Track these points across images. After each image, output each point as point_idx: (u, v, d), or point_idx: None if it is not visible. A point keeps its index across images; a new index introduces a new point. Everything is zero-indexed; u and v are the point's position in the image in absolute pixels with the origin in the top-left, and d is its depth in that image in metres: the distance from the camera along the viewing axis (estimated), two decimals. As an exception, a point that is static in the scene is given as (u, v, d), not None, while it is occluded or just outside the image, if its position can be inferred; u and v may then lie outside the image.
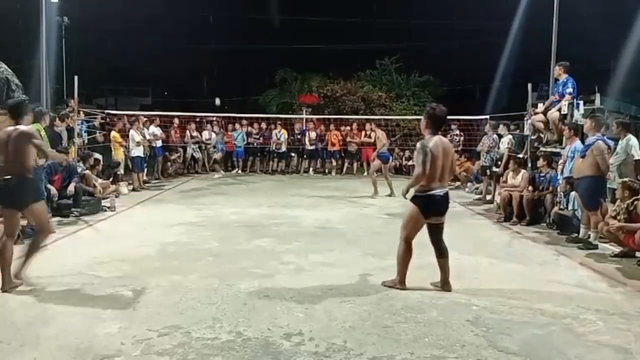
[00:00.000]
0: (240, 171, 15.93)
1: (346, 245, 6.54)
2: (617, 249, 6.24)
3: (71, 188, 8.24)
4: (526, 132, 10.35)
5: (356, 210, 9.41)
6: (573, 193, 7.21)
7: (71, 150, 9.87)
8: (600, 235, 6.48)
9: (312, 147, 16.02)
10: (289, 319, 4.00)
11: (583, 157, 6.63)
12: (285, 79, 23.71)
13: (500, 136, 10.93)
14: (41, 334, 3.66)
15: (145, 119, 13.39)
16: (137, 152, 11.85)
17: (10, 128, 4.70)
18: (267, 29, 30.33)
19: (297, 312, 4.15)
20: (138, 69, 31.02)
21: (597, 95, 9.21)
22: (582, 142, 7.22)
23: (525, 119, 10.55)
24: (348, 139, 15.87)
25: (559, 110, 8.57)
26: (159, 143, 13.80)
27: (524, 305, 4.35)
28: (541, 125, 9.40)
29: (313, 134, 16.08)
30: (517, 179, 8.78)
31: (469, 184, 12.55)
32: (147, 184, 12.48)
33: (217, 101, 17.85)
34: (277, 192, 11.91)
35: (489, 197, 10.64)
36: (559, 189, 7.83)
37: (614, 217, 6.14)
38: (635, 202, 5.96)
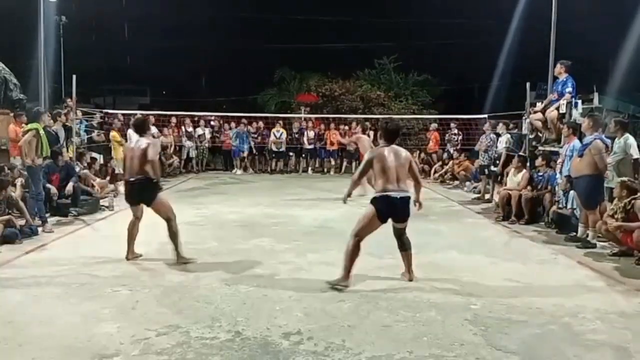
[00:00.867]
0: (239, 171, 15.87)
1: (345, 245, 6.52)
2: (615, 248, 6.24)
3: (69, 188, 8.23)
4: (524, 131, 10.36)
5: (355, 210, 9.26)
6: (572, 192, 7.22)
7: (70, 149, 9.86)
8: (599, 234, 6.48)
9: (311, 147, 16.02)
10: (287, 318, 4.00)
11: (581, 156, 6.63)
12: (283, 78, 23.67)
13: (498, 135, 10.94)
14: (40, 334, 3.65)
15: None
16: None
17: None
18: (266, 28, 30.30)
19: (296, 311, 4.15)
20: (136, 68, 30.98)
21: (596, 95, 9.23)
22: (581, 141, 7.22)
23: (524, 117, 10.56)
24: (347, 137, 15.87)
25: (558, 109, 8.58)
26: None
27: (522, 304, 4.36)
28: (540, 124, 9.41)
29: (311, 133, 16.08)
30: (517, 177, 8.77)
31: (467, 183, 12.56)
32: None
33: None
34: (276, 191, 11.90)
35: (487, 196, 10.64)
36: (558, 188, 7.83)
37: (612, 216, 6.14)
38: (633, 201, 5.96)
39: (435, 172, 14.52)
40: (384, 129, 5.00)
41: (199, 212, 8.73)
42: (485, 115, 13.90)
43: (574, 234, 7.04)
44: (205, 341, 3.56)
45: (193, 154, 15.65)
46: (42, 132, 7.46)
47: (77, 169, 9.38)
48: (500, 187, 9.50)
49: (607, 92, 18.06)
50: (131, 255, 5.54)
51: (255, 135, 16.00)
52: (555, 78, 9.30)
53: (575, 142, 7.35)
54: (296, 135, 16.05)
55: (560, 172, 7.77)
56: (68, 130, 10.22)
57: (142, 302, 4.31)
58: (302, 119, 16.90)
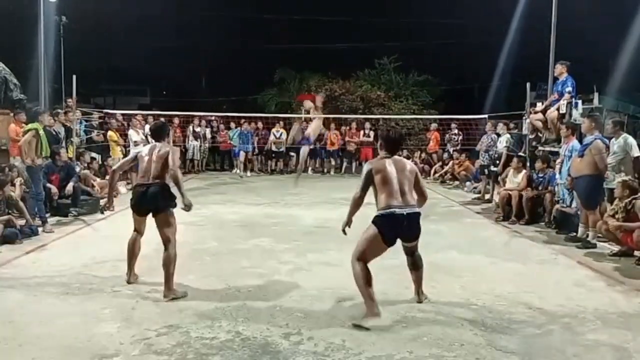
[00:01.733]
0: (239, 171, 15.83)
1: (345, 245, 6.45)
2: (615, 248, 6.25)
3: (70, 188, 8.23)
4: (525, 131, 10.36)
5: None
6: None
7: (70, 149, 9.86)
8: (599, 234, 6.48)
9: (311, 147, 15.98)
10: (287, 318, 4.00)
11: (581, 156, 6.64)
12: (284, 79, 23.64)
13: (498, 135, 10.95)
14: (40, 334, 3.65)
15: (140, 117, 13.32)
16: (136, 151, 11.78)
17: None
18: (266, 28, 30.30)
19: (295, 311, 4.15)
20: (136, 69, 30.92)
21: (596, 95, 9.23)
22: (580, 141, 7.23)
23: (524, 118, 10.56)
24: (347, 138, 15.86)
25: (558, 109, 8.58)
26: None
27: (522, 304, 4.36)
28: (540, 125, 9.42)
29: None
30: (518, 177, 8.77)
31: (467, 183, 12.56)
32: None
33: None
34: (276, 191, 11.90)
35: (487, 196, 10.64)
36: (562, 187, 7.79)
37: (612, 216, 6.14)
38: (634, 201, 5.96)
39: (435, 172, 14.55)
40: (385, 138, 4.33)
41: (199, 212, 8.69)
42: (486, 116, 13.90)
43: (574, 234, 7.04)
44: (205, 341, 3.56)
45: (197, 155, 15.63)
46: (41, 132, 7.46)
47: (77, 169, 9.38)
48: (499, 188, 9.49)
49: (607, 92, 18.01)
50: (133, 277, 4.93)
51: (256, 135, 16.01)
52: (555, 78, 9.31)
53: (574, 143, 7.36)
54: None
55: (560, 172, 7.77)
56: (68, 130, 10.23)
57: (142, 302, 4.31)
58: (302, 119, 16.86)
